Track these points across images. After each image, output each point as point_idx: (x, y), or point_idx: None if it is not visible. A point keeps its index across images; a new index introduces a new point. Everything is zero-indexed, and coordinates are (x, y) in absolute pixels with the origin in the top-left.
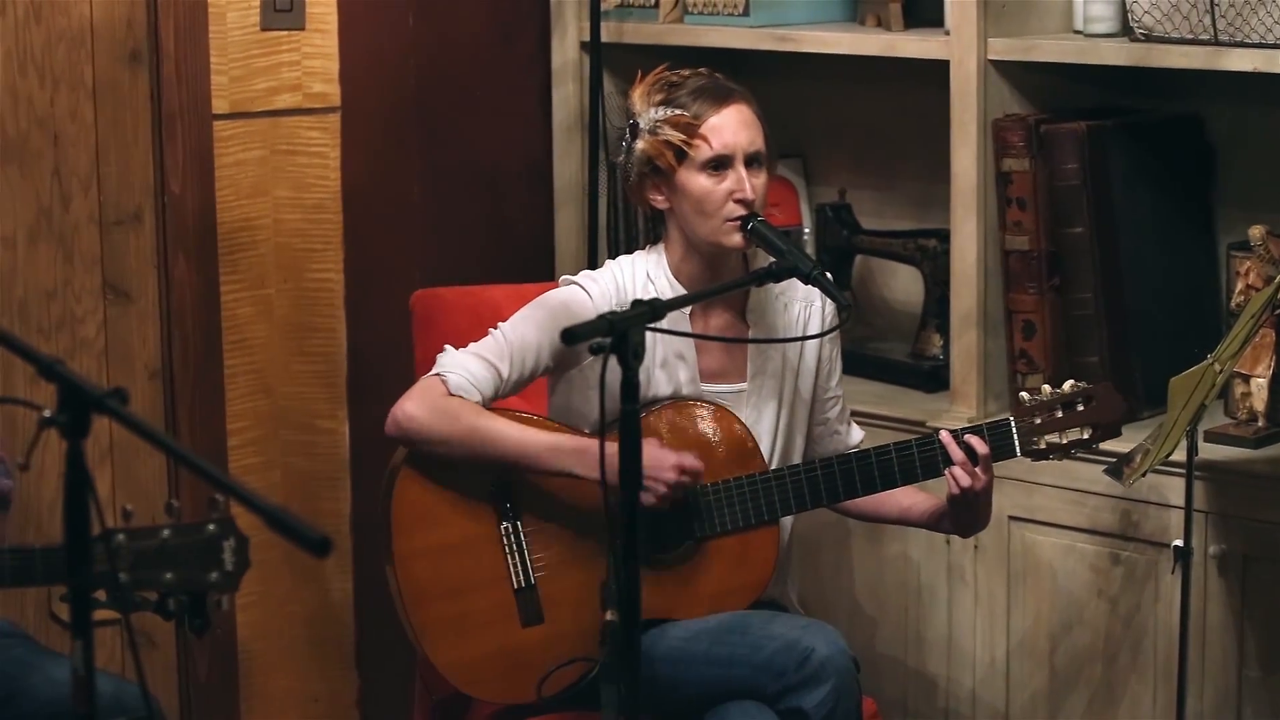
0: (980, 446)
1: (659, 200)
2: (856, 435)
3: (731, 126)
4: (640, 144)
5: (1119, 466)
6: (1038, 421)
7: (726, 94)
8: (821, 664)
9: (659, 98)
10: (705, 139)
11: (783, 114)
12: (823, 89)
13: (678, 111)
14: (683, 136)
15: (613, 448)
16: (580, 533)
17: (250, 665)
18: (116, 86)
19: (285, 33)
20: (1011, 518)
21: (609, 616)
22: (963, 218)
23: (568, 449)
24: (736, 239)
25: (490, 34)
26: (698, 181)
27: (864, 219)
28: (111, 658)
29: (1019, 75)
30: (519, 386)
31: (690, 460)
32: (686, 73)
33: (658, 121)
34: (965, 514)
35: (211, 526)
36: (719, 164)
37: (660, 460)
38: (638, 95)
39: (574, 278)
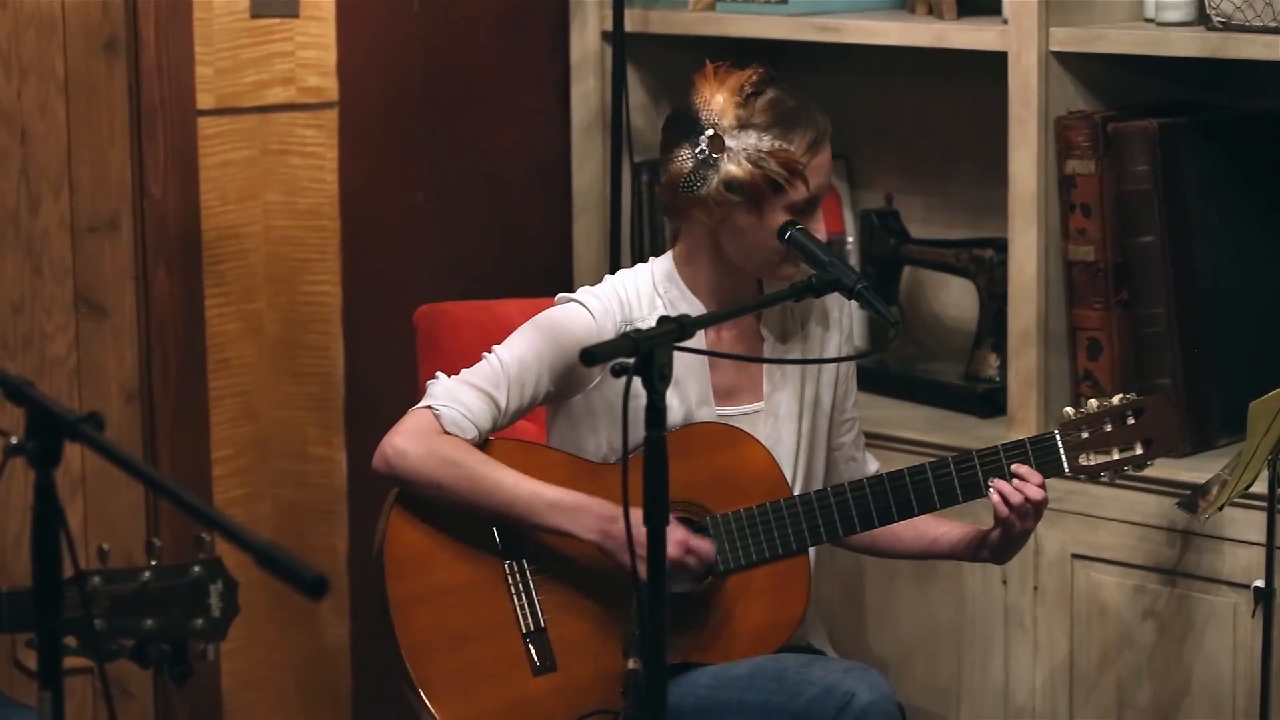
0: (1035, 492)
1: (709, 218)
2: (873, 465)
3: (825, 170)
4: (734, 168)
5: (1193, 499)
6: (1085, 436)
7: (824, 133)
8: (864, 710)
9: (756, 119)
10: (805, 181)
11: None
12: (868, 84)
13: (784, 146)
14: (788, 175)
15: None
16: (593, 570)
17: (235, 717)
18: (90, 78)
19: (277, 20)
20: (1075, 556)
21: (632, 665)
22: (1021, 226)
23: (568, 507)
24: (789, 274)
25: (503, 23)
26: (776, 219)
27: (913, 227)
28: (82, 709)
29: (1084, 68)
30: (518, 416)
31: (699, 543)
32: (766, 82)
33: (763, 153)
34: (1014, 539)
35: (197, 568)
36: (805, 206)
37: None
38: (721, 105)
39: (572, 295)
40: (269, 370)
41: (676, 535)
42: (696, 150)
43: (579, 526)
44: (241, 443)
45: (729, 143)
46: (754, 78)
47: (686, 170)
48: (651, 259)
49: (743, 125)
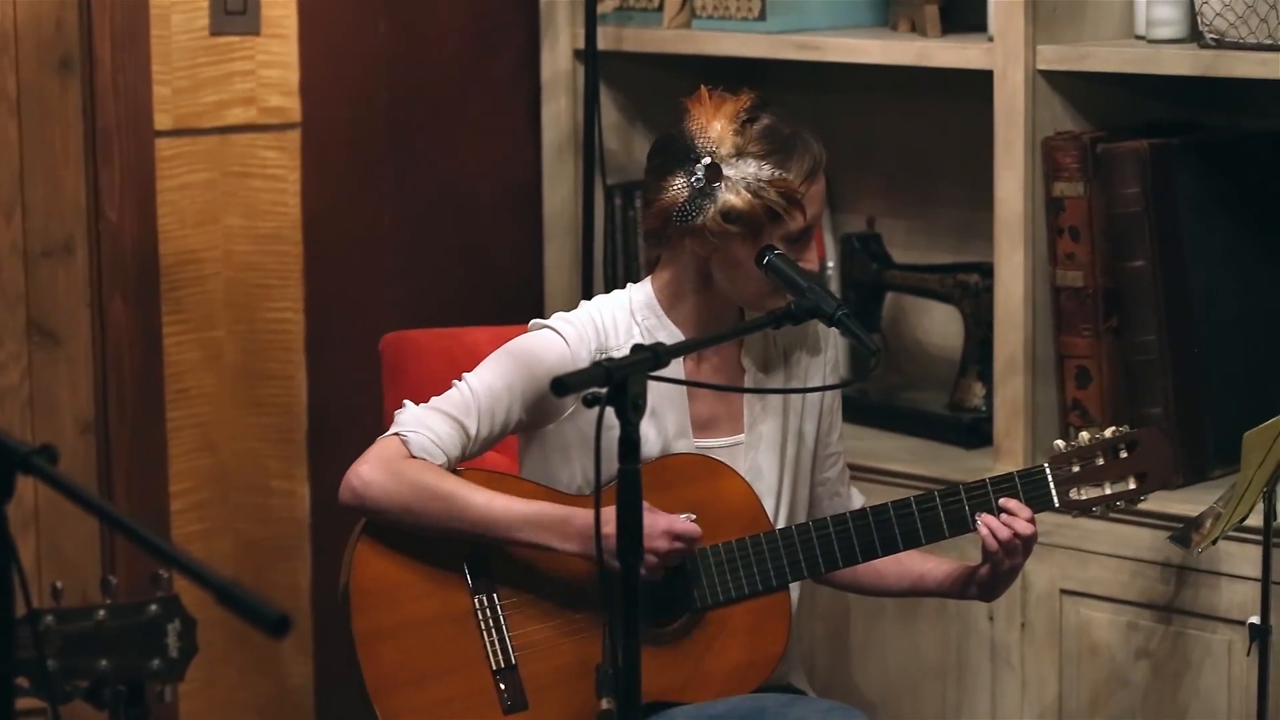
0: (1024, 527)
1: (702, 248)
2: (858, 500)
3: (819, 199)
4: (731, 197)
5: (1186, 533)
6: (1076, 470)
7: (819, 162)
8: None
9: (752, 147)
10: (803, 211)
11: None
12: (849, 103)
13: (783, 175)
14: (786, 205)
15: (604, 514)
16: (566, 606)
17: None
18: (44, 98)
19: (238, 38)
20: (1064, 591)
21: (605, 705)
22: (1008, 250)
23: (546, 520)
24: (779, 303)
25: (472, 41)
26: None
27: (895, 251)
28: None
29: (1072, 87)
30: (488, 445)
31: (683, 524)
32: (760, 108)
33: (763, 182)
34: (997, 574)
35: (154, 607)
36: (801, 236)
37: (650, 526)
38: (719, 133)
39: (546, 321)
40: (229, 400)
41: (660, 525)
42: (692, 179)
43: (558, 539)
44: (200, 476)
45: (727, 171)
46: (748, 103)
47: (681, 200)
48: (630, 285)
49: (740, 153)
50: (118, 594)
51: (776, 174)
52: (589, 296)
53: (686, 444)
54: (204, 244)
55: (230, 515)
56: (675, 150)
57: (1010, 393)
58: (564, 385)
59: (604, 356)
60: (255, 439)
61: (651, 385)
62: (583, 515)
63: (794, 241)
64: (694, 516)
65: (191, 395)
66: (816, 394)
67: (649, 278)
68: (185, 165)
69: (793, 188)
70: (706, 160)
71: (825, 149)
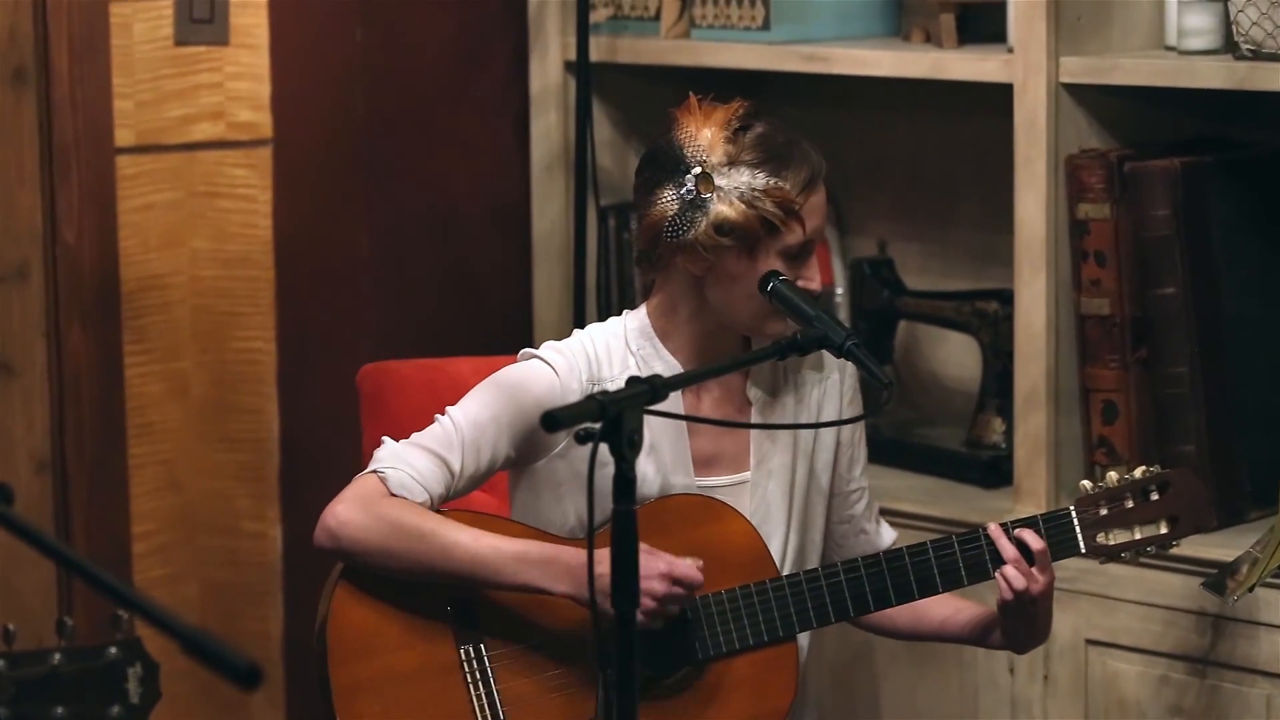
0: (1034, 541)
1: (696, 266)
2: (888, 536)
3: (819, 211)
4: (724, 208)
5: (1221, 579)
6: (1104, 513)
7: (817, 172)
8: None
9: (745, 155)
10: (801, 224)
11: None
12: (859, 119)
13: (779, 184)
14: (782, 215)
15: (598, 555)
16: (558, 657)
17: None
18: None
19: (205, 48)
20: (1089, 641)
21: None
22: (1029, 275)
23: (535, 558)
24: (779, 329)
25: (455, 52)
26: (770, 266)
27: (908, 277)
28: None
29: (1098, 102)
30: (474, 483)
31: (684, 567)
32: (754, 116)
33: (756, 191)
34: (1020, 625)
35: (113, 650)
36: (800, 251)
37: (647, 568)
38: (709, 141)
39: (535, 351)
40: (195, 436)
41: (658, 567)
42: (682, 190)
43: (549, 579)
44: (165, 516)
45: (718, 181)
46: (741, 111)
47: (671, 213)
48: (625, 313)
49: (733, 162)
50: (74, 636)
51: (771, 183)
52: (581, 325)
53: (686, 483)
54: (168, 268)
55: (197, 559)
56: (664, 162)
57: (1031, 428)
58: (555, 420)
59: (597, 389)
60: (224, 477)
61: (649, 419)
62: (573, 553)
63: (793, 258)
64: (700, 562)
65: (155, 430)
66: (830, 428)
67: (644, 304)
68: (148, 184)
69: (789, 197)
70: (697, 170)
71: (832, 167)
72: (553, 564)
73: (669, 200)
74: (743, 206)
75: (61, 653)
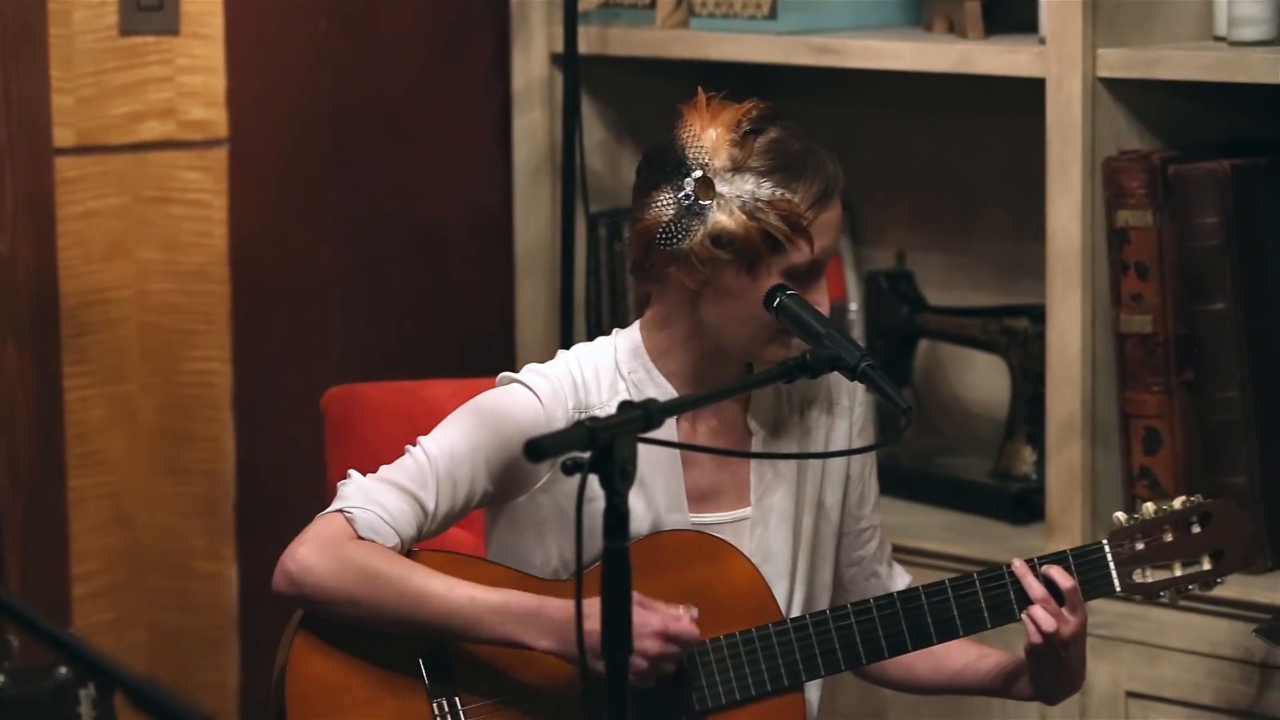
0: (1064, 579)
1: (691, 279)
2: (901, 579)
3: (833, 231)
4: (723, 218)
5: (1274, 625)
6: (1140, 547)
7: (833, 186)
8: None
9: (752, 162)
10: (810, 241)
11: None
12: (875, 117)
13: (786, 196)
14: (788, 231)
15: (587, 606)
16: (539, 713)
17: None
18: None
19: (153, 38)
20: (1130, 694)
21: None
22: (1063, 290)
23: (517, 612)
24: (779, 355)
25: (430, 44)
26: (772, 284)
27: (929, 291)
28: None
29: (1139, 98)
30: (448, 522)
31: (680, 623)
32: (767, 120)
33: (760, 202)
34: (1050, 671)
35: (63, 670)
36: (808, 272)
37: (640, 624)
38: (713, 143)
39: (516, 375)
40: (143, 466)
41: (651, 623)
42: (680, 195)
43: (531, 634)
44: (110, 555)
45: (720, 188)
46: (754, 112)
47: (666, 218)
48: (615, 331)
49: (738, 168)
50: (16, 657)
51: (779, 194)
52: (567, 342)
53: (680, 519)
54: (113, 281)
55: (144, 602)
56: (663, 162)
57: (1065, 459)
58: (540, 449)
59: (584, 416)
60: (174, 512)
61: (641, 450)
62: (559, 607)
63: (799, 278)
64: (695, 612)
65: (98, 460)
66: (840, 459)
67: (637, 321)
68: (91, 189)
69: (798, 212)
70: (697, 173)
71: (846, 171)
72: (536, 617)
73: (665, 204)
74: (744, 218)
75: (5, 674)
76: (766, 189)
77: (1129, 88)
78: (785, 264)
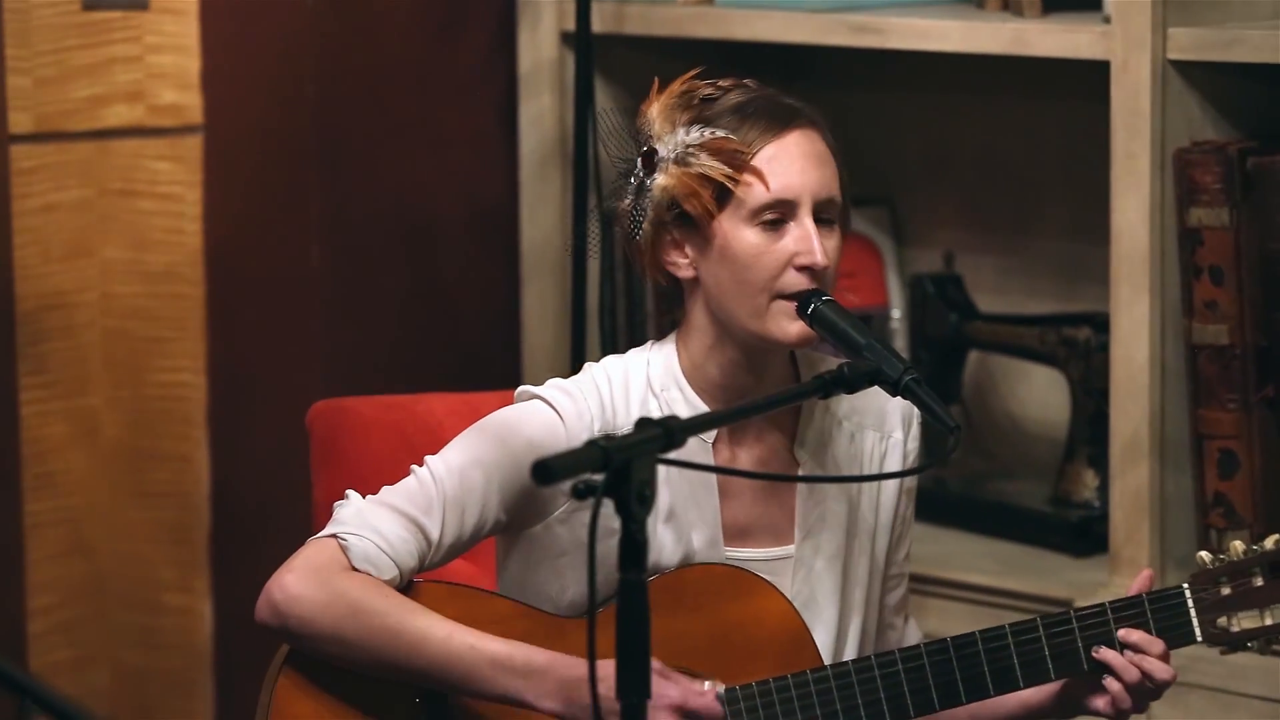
0: (1151, 645)
1: (681, 266)
2: (913, 636)
3: (796, 160)
4: (662, 179)
5: None
6: (1226, 592)
7: (789, 115)
8: None
9: (687, 116)
10: (759, 175)
11: (861, 141)
12: (921, 105)
13: (719, 133)
14: (727, 170)
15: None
16: None
17: None
18: None
19: (120, 14)
20: None
21: None
22: (1129, 296)
23: (520, 667)
24: (792, 329)
25: (428, 22)
26: (743, 237)
27: (980, 297)
28: None
29: (1214, 83)
30: (454, 552)
31: (701, 699)
32: (727, 83)
33: (690, 147)
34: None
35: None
36: (776, 213)
37: (658, 695)
38: (655, 112)
39: (537, 390)
40: (107, 489)
41: (671, 695)
42: (630, 180)
43: (534, 692)
44: (69, 587)
45: (660, 153)
46: (695, 76)
47: (627, 208)
48: (650, 344)
49: (675, 128)
50: None
51: (709, 133)
52: (579, 351)
53: (714, 555)
54: (75, 283)
55: (108, 639)
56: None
57: (1131, 484)
58: (548, 470)
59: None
60: (141, 539)
61: (672, 480)
62: (568, 664)
63: (771, 227)
64: (721, 688)
65: (58, 482)
66: (891, 497)
67: (674, 333)
68: (50, 180)
69: (731, 146)
70: (644, 149)
71: (889, 163)
72: (541, 675)
73: (626, 198)
74: (679, 170)
75: None
76: (696, 132)
77: (1203, 71)
78: (745, 211)
